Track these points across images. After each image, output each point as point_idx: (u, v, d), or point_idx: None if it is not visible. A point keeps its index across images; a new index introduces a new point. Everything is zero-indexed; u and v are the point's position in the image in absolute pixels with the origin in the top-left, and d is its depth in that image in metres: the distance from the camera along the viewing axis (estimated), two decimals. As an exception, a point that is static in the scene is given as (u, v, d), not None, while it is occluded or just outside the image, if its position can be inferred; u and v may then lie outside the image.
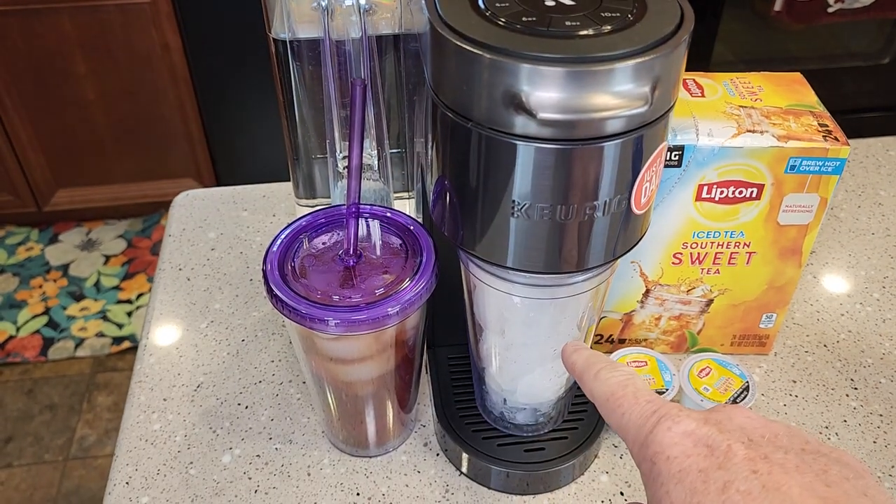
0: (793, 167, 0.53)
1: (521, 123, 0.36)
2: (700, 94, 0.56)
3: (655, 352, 0.59)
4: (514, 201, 0.39)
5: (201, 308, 0.68)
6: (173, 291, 0.70)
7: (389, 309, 0.46)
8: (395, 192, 0.66)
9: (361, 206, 0.52)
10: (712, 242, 0.57)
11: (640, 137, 0.37)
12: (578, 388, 0.58)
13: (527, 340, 0.49)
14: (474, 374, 0.56)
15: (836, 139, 0.52)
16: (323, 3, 0.51)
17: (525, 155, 0.37)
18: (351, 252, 0.49)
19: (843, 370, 0.63)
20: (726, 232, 0.56)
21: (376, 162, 0.60)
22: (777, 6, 1.82)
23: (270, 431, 0.58)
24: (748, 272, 0.59)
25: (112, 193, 1.97)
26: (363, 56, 0.54)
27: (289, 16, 0.55)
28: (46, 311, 1.84)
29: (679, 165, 0.53)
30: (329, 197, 0.65)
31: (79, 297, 1.87)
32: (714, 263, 0.58)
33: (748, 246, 0.57)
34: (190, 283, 0.71)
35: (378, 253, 0.52)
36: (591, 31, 0.35)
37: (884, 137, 0.88)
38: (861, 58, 2.00)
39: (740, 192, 0.54)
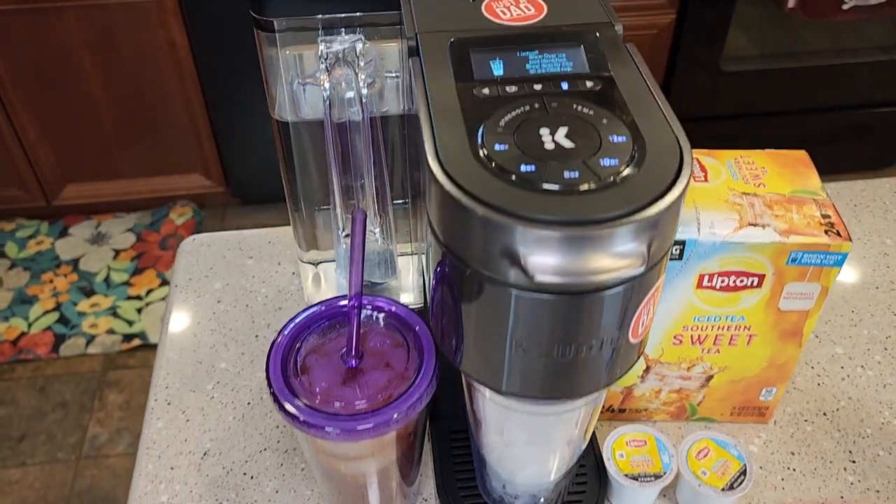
0: (794, 259, 0.53)
1: (516, 276, 0.36)
2: (703, 179, 0.56)
3: (654, 430, 0.60)
4: (510, 339, 0.39)
5: (207, 367, 0.69)
6: (180, 349, 0.71)
7: (392, 415, 0.47)
8: (398, 244, 0.66)
9: (363, 301, 0.53)
10: (713, 325, 0.57)
11: (637, 284, 0.37)
12: (579, 469, 0.60)
13: (527, 440, 0.50)
14: (474, 455, 0.57)
15: (837, 234, 0.52)
16: (325, 94, 0.51)
17: (521, 302, 0.37)
18: (353, 353, 0.50)
19: (841, 441, 0.63)
20: (727, 316, 0.57)
21: (378, 230, 0.60)
22: (790, 3, 1.79)
23: None
24: (748, 352, 0.59)
25: (121, 188, 1.98)
26: (365, 141, 0.54)
27: (291, 100, 0.55)
28: (58, 307, 1.86)
29: (680, 258, 0.53)
30: (331, 249, 0.66)
31: (89, 293, 1.89)
32: (714, 344, 0.58)
33: (748, 329, 0.57)
34: (196, 339, 0.72)
35: (380, 346, 0.52)
36: (589, 185, 0.35)
37: (892, 178, 0.87)
38: (879, 51, 1.97)
39: (741, 281, 0.54)
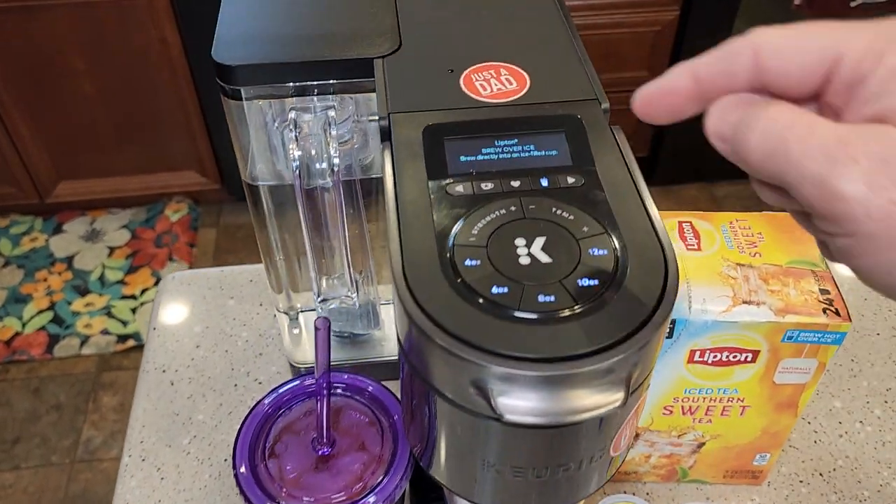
0: (790, 338, 0.50)
1: (486, 409, 0.33)
2: (696, 247, 0.53)
3: (644, 499, 0.58)
4: (483, 460, 0.37)
5: (184, 420, 0.67)
6: (157, 398, 0.69)
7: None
8: (383, 285, 0.64)
9: (333, 380, 0.50)
10: (704, 398, 0.55)
11: (617, 412, 0.35)
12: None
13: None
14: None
15: (836, 313, 0.49)
16: (294, 165, 0.48)
17: (491, 432, 0.35)
18: (324, 441, 0.48)
19: (838, 505, 0.61)
20: (719, 389, 0.54)
21: (355, 295, 0.58)
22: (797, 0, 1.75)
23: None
24: (742, 422, 0.57)
25: (115, 185, 1.95)
26: (338, 210, 0.51)
27: (265, 166, 0.53)
28: (52, 307, 1.84)
29: (670, 337, 0.50)
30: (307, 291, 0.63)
31: (83, 292, 1.87)
32: (706, 414, 0.56)
33: (742, 401, 0.55)
34: (174, 388, 0.70)
35: (354, 425, 0.50)
36: (565, 312, 0.33)
37: None
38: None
39: (734, 357, 0.52)
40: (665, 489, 0.63)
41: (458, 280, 0.34)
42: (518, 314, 0.33)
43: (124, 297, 1.86)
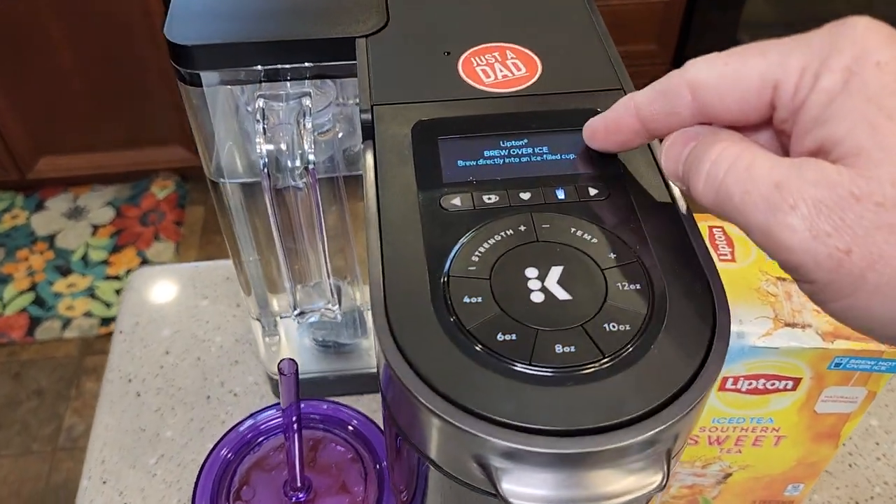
0: (838, 364, 0.43)
1: (489, 486, 0.27)
2: (729, 257, 0.46)
3: (662, 537, 0.52)
4: (485, 535, 0.30)
5: (151, 437, 0.61)
6: (121, 412, 0.62)
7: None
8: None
9: (310, 411, 0.44)
10: (735, 427, 0.48)
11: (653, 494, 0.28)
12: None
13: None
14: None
15: (894, 337, 0.43)
16: (262, 161, 0.41)
17: (496, 508, 0.28)
18: (297, 486, 0.41)
19: (876, 541, 0.55)
20: (753, 419, 0.47)
21: (337, 307, 0.51)
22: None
23: None
24: (775, 452, 0.50)
25: (97, 161, 1.87)
26: (313, 215, 0.44)
27: (239, 159, 0.45)
28: (33, 287, 1.77)
29: (700, 363, 0.43)
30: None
31: (66, 272, 1.80)
32: (736, 445, 0.49)
33: (777, 430, 0.48)
34: (140, 399, 0.63)
35: (334, 464, 0.43)
36: (589, 368, 0.26)
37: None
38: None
39: (772, 385, 0.45)
40: (684, 520, 0.56)
41: (453, 321, 0.27)
42: (529, 370, 0.26)
43: (108, 278, 1.79)
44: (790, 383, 0.45)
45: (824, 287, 0.23)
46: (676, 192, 0.32)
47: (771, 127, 0.27)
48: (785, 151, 0.27)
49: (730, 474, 0.52)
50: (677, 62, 1.82)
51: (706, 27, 1.74)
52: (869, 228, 0.21)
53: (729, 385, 0.45)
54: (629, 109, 0.29)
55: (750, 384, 0.45)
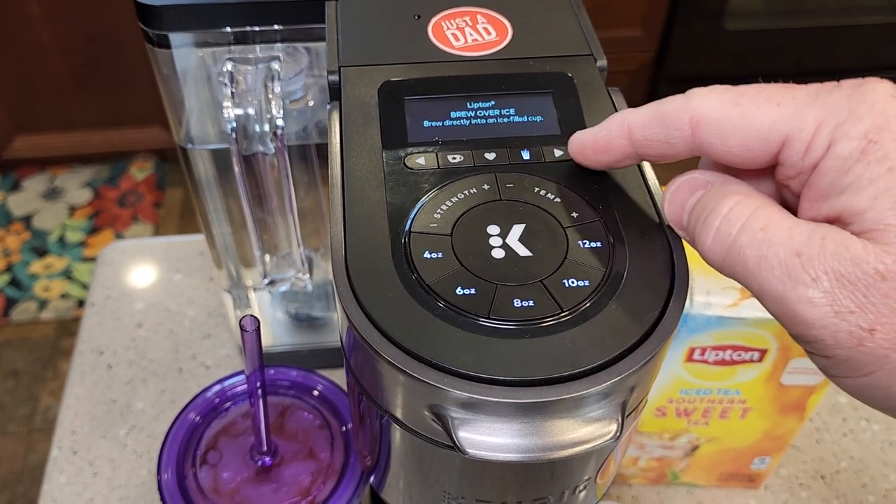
0: (803, 335, 0.44)
1: (447, 439, 0.27)
2: (698, 229, 0.46)
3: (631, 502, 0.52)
4: (445, 492, 0.30)
5: (122, 408, 0.60)
6: (91, 384, 0.62)
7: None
8: None
9: (279, 377, 0.44)
10: (702, 399, 0.49)
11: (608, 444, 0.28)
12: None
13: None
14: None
15: (858, 308, 0.43)
16: (230, 126, 0.41)
17: (454, 463, 0.28)
18: (263, 450, 0.41)
19: (841, 513, 0.56)
20: (720, 390, 0.48)
21: (307, 276, 0.51)
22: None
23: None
24: (742, 424, 0.50)
25: (75, 140, 1.85)
26: (283, 178, 0.44)
27: (210, 126, 0.45)
28: (9, 268, 1.75)
29: (667, 333, 0.44)
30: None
31: (42, 253, 1.78)
32: (703, 416, 0.50)
33: (744, 402, 0.49)
34: (111, 371, 0.63)
35: (302, 429, 0.43)
36: (548, 321, 0.26)
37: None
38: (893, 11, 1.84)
39: (739, 356, 0.45)
40: (653, 492, 0.57)
41: (414, 277, 0.27)
42: (488, 323, 0.26)
43: (85, 260, 1.77)
44: (756, 354, 0.45)
45: (840, 363, 0.22)
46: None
47: (768, 177, 0.26)
48: (782, 202, 0.26)
49: (697, 447, 0.53)
50: (663, 50, 1.82)
51: (693, 13, 1.73)
52: (895, 308, 0.21)
53: (696, 356, 0.46)
54: (622, 130, 0.27)
55: (717, 355, 0.45)
